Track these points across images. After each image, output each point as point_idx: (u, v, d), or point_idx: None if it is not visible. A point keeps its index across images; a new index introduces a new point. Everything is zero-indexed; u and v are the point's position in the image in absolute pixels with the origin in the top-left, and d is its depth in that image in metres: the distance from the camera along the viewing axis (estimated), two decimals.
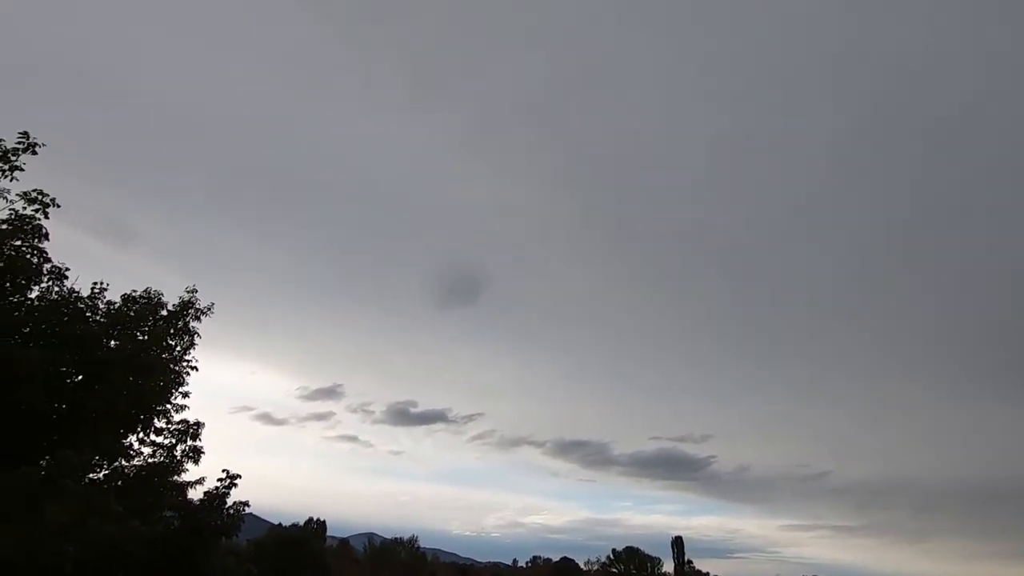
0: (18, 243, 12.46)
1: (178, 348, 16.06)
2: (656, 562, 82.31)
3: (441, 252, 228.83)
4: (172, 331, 15.82)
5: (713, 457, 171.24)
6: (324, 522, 55.49)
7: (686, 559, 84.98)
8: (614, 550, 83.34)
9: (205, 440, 16.72)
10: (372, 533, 73.09)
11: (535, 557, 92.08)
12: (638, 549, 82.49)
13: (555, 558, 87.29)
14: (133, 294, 15.39)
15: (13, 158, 12.52)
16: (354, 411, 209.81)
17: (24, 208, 12.67)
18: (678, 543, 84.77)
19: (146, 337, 15.17)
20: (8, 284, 12.56)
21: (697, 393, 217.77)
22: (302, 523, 52.79)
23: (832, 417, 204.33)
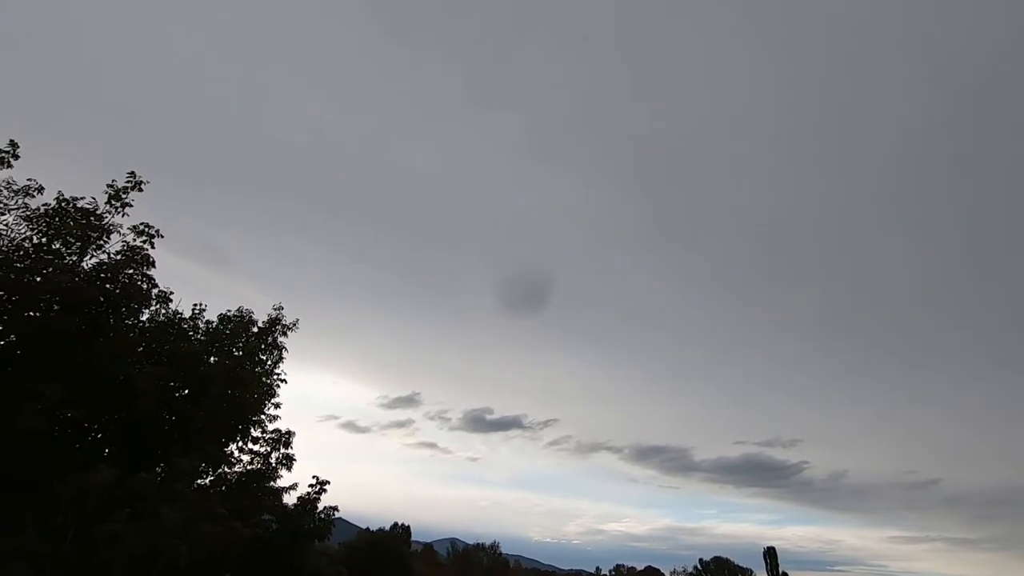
0: (130, 272, 13.87)
1: (268, 362, 17.30)
2: (748, 573, 78.37)
3: (510, 258, 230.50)
4: (262, 346, 17.07)
5: (805, 463, 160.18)
6: (409, 527, 57.14)
7: (781, 571, 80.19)
8: (701, 560, 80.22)
9: (296, 448, 17.96)
10: (454, 538, 74.42)
11: (618, 565, 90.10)
12: (728, 559, 78.90)
13: (639, 567, 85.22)
14: (228, 313, 16.76)
15: (124, 196, 13.99)
16: (432, 418, 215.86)
17: (134, 240, 14.13)
18: (771, 554, 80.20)
19: (240, 353, 16.45)
20: (123, 309, 14.01)
21: (783, 395, 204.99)
22: (388, 527, 54.68)
23: (939, 419, 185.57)
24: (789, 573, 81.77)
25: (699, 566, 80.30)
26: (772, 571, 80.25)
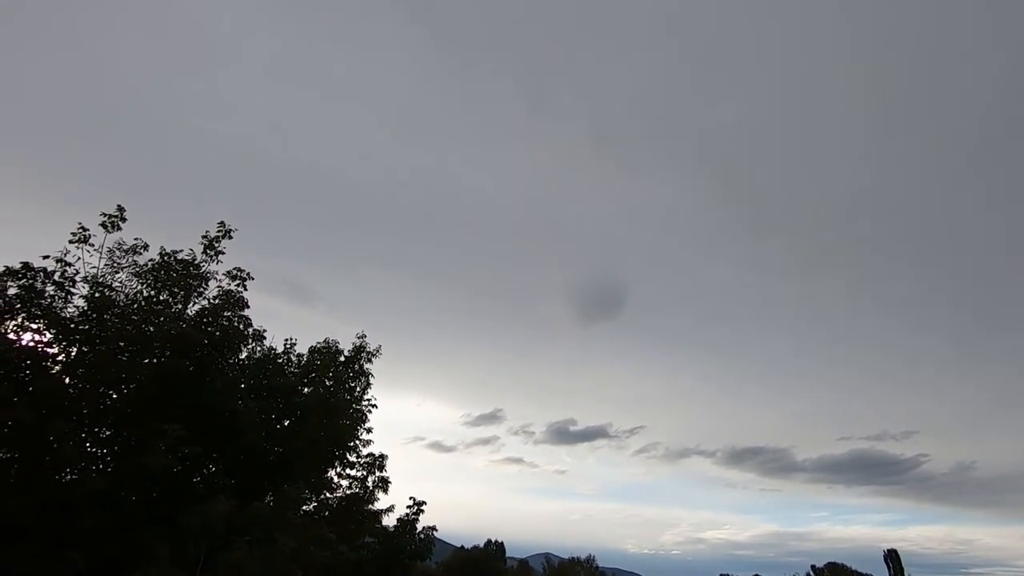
0: (228, 314, 14.86)
1: (358, 389, 17.96)
2: None
3: (582, 267, 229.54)
4: (350, 374, 17.76)
5: (924, 456, 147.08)
6: (502, 543, 57.20)
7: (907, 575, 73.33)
8: (814, 566, 74.96)
9: (388, 470, 18.45)
10: (548, 553, 73.63)
11: (723, 575, 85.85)
12: (844, 565, 73.29)
13: None
14: (317, 345, 17.60)
15: (217, 244, 15.07)
16: (516, 433, 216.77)
17: (229, 284, 15.15)
18: (893, 557, 73.61)
19: (331, 383, 17.18)
20: (225, 350, 15.01)
21: (889, 384, 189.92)
22: (481, 545, 54.95)
23: None
24: None
25: (812, 573, 75.00)
26: None
